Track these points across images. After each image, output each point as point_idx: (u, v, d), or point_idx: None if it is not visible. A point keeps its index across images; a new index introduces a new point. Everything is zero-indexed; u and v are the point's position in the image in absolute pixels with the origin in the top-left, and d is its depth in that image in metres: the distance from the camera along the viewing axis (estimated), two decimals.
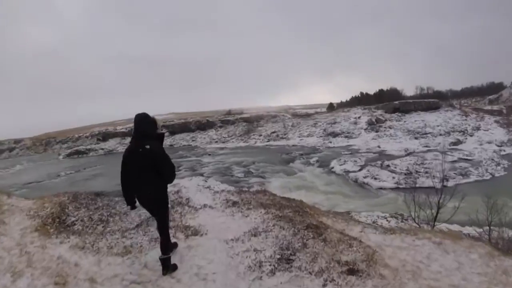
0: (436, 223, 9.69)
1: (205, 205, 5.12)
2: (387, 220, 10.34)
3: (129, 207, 3.71)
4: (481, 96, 64.30)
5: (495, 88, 64.39)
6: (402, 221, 10.35)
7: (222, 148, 38.57)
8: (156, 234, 3.83)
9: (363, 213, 11.22)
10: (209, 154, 33.18)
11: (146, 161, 3.45)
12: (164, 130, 53.92)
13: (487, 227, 8.08)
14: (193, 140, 48.76)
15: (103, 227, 4.40)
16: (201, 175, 20.31)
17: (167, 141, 50.50)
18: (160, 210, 3.73)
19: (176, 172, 3.80)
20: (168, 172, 3.61)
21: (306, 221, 4.44)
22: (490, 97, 58.29)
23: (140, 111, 3.84)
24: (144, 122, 3.64)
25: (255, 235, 4.02)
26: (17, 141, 72.12)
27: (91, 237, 4.02)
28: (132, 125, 3.80)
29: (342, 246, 3.71)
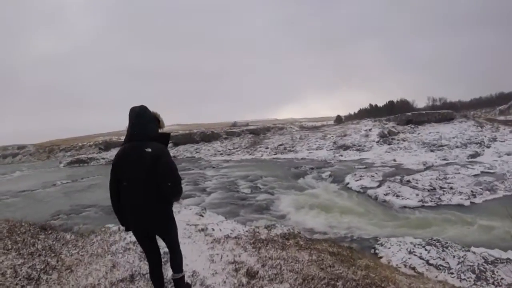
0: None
1: (193, 284, 3.37)
2: (425, 249, 8.59)
3: (123, 227, 2.95)
4: (490, 107, 63.76)
5: (505, 98, 63.94)
6: (443, 250, 8.61)
7: (227, 161, 37.10)
8: None
9: (392, 239, 9.46)
10: (213, 167, 31.68)
11: (145, 170, 2.72)
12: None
13: None
14: (197, 152, 47.42)
15: None
16: (204, 189, 18.81)
17: (170, 152, 49.40)
18: (167, 233, 2.97)
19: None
20: (173, 186, 2.77)
21: None
22: (501, 107, 57.71)
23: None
24: (142, 118, 2.90)
25: None
26: (20, 147, 74.55)
27: None
28: None
29: None
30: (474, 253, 8.30)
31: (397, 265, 7.63)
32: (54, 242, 3.80)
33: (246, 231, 6.22)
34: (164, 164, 2.76)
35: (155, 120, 3.03)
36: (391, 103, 57.81)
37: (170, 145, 52.59)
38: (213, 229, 6.20)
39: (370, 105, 61.30)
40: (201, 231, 5.96)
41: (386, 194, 15.34)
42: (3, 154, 72.35)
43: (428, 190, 15.74)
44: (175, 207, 7.37)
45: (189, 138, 53.52)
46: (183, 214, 7.71)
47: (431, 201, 14.33)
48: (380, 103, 62.84)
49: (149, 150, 2.76)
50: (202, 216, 8.07)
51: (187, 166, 34.43)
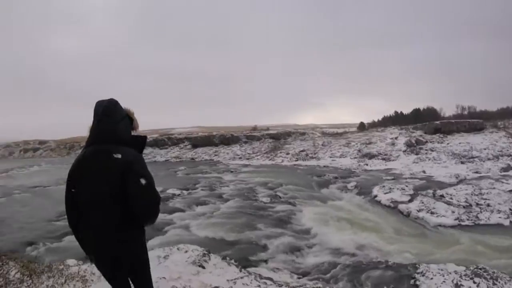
0: None
1: None
2: (474, 282, 7.29)
3: (88, 257, 2.37)
4: None
5: None
6: (493, 283, 7.30)
7: (246, 165, 36.18)
8: None
9: (433, 266, 8.19)
10: (232, 171, 30.66)
11: (111, 182, 2.06)
12: (186, 143, 53.23)
13: None
14: (215, 155, 46.67)
15: None
16: (220, 196, 17.84)
17: (188, 154, 48.86)
18: (138, 272, 2.34)
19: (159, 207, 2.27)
20: (146, 204, 2.12)
21: None
22: None
23: (110, 105, 2.36)
24: (112, 115, 2.27)
25: None
26: (42, 142, 77.14)
27: None
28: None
29: None
30: None
31: None
32: None
33: None
34: (136, 175, 2.12)
35: (128, 118, 2.40)
36: (417, 110, 55.81)
37: (188, 146, 52.78)
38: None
39: (396, 112, 59.28)
40: None
41: (419, 210, 13.99)
42: (24, 148, 74.48)
43: (464, 207, 14.41)
44: (160, 249, 5.75)
45: (208, 140, 52.74)
46: (172, 261, 5.26)
47: (468, 219, 12.98)
48: (404, 110, 60.92)
49: (119, 156, 2.14)
50: (203, 267, 5.23)
51: (205, 169, 33.52)
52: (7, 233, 11.91)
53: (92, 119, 2.34)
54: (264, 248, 9.94)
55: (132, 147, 2.31)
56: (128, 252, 2.24)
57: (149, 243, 9.45)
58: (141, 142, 2.44)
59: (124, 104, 2.51)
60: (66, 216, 2.31)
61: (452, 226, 12.37)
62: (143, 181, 2.14)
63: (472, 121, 39.83)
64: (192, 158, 46.54)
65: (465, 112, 55.35)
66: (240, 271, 5.52)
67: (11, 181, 27.84)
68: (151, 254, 5.20)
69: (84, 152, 2.28)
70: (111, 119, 2.27)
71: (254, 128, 60.79)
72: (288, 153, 40.67)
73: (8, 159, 69.61)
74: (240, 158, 43.67)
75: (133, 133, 2.47)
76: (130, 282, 2.49)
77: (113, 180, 2.12)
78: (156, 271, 4.47)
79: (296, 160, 37.35)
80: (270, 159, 40.01)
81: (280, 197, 17.24)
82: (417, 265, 8.18)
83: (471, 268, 7.93)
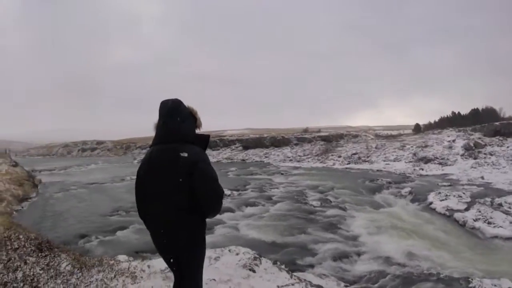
0: None
1: None
2: None
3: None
4: None
5: None
6: None
7: (296, 168, 36.27)
8: None
9: (486, 280, 7.95)
10: (282, 174, 30.88)
11: (179, 179, 2.23)
12: (238, 145, 53.99)
13: None
14: (266, 157, 47.08)
15: None
16: (270, 198, 18.10)
17: (239, 156, 49.54)
18: (191, 262, 2.40)
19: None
20: (212, 198, 2.32)
21: None
22: None
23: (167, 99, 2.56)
24: (177, 114, 2.41)
25: None
26: (99, 143, 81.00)
27: None
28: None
29: None
30: None
31: None
32: (41, 272, 3.16)
33: None
34: (202, 171, 2.28)
35: (192, 117, 2.50)
36: (475, 111, 52.95)
37: (239, 148, 53.55)
38: None
39: (453, 112, 56.47)
40: None
41: (476, 220, 13.45)
42: (82, 147, 79.10)
43: None
44: (212, 250, 5.81)
45: (259, 142, 53.32)
46: (223, 263, 5.31)
47: None
48: (462, 110, 58.11)
49: (185, 155, 2.26)
50: (253, 271, 5.18)
51: (255, 170, 34.02)
52: (63, 226, 12.58)
53: (157, 118, 2.49)
54: (312, 253, 9.91)
55: (197, 145, 2.44)
56: (195, 240, 2.38)
57: None
58: (204, 140, 2.56)
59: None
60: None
61: (510, 238, 11.81)
62: (209, 177, 2.33)
63: None
64: (243, 160, 47.28)
65: None
66: (291, 277, 5.38)
67: (69, 178, 29.42)
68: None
69: (151, 151, 2.45)
70: (176, 118, 2.40)
71: (306, 130, 60.50)
72: (340, 156, 40.28)
73: (67, 157, 74.71)
74: (290, 160, 43.78)
75: (197, 131, 2.58)
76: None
77: (180, 177, 2.25)
78: (206, 272, 4.71)
79: (348, 163, 36.96)
80: (321, 162, 39.86)
81: (330, 201, 17.19)
82: (469, 279, 8.00)
83: None
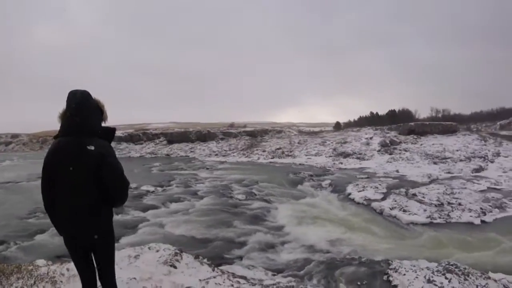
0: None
1: None
2: (445, 278, 7.39)
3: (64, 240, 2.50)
4: (491, 121, 63.54)
5: (506, 113, 63.68)
6: (465, 279, 7.41)
7: (222, 162, 35.96)
8: None
9: (405, 262, 8.32)
10: (207, 168, 30.40)
11: (86, 172, 2.30)
12: (162, 139, 52.57)
13: None
14: (191, 151, 46.24)
15: None
16: (195, 193, 17.63)
17: (163, 150, 48.29)
18: (104, 249, 2.52)
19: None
20: (121, 189, 2.40)
21: None
22: (501, 122, 57.25)
23: (77, 93, 2.50)
24: (85, 106, 2.41)
25: None
26: (14, 136, 74.95)
27: None
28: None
29: None
30: (495, 280, 7.15)
31: None
32: None
33: None
34: (109, 165, 2.34)
35: (99, 110, 2.54)
36: (392, 112, 56.96)
37: (164, 142, 52.18)
38: None
39: (371, 113, 60.44)
40: None
41: (392, 208, 14.14)
42: None
43: (436, 206, 14.62)
44: (131, 249, 5.52)
45: (184, 136, 52.25)
46: (143, 261, 5.05)
47: (439, 217, 13.18)
48: (381, 111, 62.08)
49: (92, 148, 2.31)
50: (175, 267, 5.05)
51: (180, 165, 33.21)
52: None
53: (63, 109, 2.47)
54: (239, 245, 9.87)
55: (103, 138, 2.49)
56: (105, 228, 2.50)
57: (121, 242, 9.19)
58: (110, 133, 2.59)
59: (98, 97, 2.63)
60: (37, 214, 2.33)
61: (424, 224, 12.53)
62: (116, 170, 2.38)
63: (446, 123, 40.86)
64: (168, 154, 45.91)
65: (439, 115, 56.86)
66: (213, 270, 5.43)
67: None
68: (122, 254, 5.06)
69: (58, 142, 2.40)
70: (84, 111, 2.40)
71: (231, 125, 60.79)
72: (264, 151, 40.71)
73: None
74: (216, 154, 43.41)
75: (103, 124, 2.60)
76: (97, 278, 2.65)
77: (87, 169, 2.32)
78: (126, 271, 4.48)
79: (272, 158, 37.42)
80: (246, 156, 39.94)
81: (255, 194, 17.14)
82: (390, 261, 8.24)
83: (443, 264, 8.04)
